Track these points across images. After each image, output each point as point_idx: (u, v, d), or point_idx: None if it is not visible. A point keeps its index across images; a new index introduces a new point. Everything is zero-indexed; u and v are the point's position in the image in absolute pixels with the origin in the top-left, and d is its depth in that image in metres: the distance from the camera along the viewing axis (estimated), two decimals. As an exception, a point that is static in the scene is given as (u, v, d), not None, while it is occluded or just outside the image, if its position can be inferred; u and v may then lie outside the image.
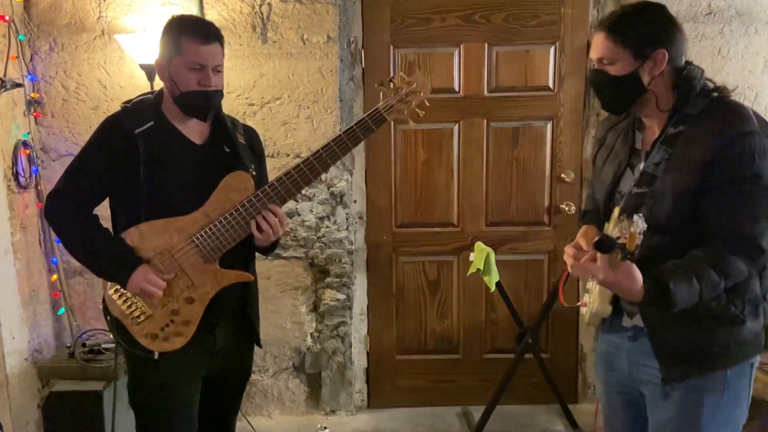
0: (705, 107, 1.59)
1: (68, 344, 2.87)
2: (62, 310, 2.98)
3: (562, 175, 3.18)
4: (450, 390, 3.34)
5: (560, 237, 3.22)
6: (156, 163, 1.88)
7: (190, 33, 1.85)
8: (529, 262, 3.27)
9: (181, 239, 1.89)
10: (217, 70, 1.90)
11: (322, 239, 3.08)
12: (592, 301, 1.72)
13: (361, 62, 3.08)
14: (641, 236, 1.33)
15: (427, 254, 3.25)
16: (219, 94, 1.94)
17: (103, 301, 1.96)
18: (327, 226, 3.08)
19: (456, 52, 3.09)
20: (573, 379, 3.37)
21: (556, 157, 3.18)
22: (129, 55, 2.88)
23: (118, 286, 1.90)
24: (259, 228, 1.89)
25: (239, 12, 2.93)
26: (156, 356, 1.90)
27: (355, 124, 1.92)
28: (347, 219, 3.11)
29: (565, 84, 3.12)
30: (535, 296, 3.27)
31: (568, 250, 1.81)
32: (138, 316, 1.90)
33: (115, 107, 2.90)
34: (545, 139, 3.17)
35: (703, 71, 1.64)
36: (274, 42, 2.95)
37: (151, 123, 1.91)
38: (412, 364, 3.33)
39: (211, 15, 2.90)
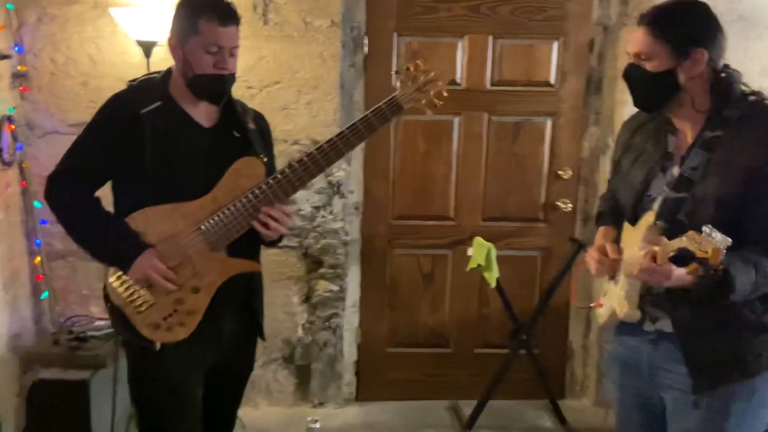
0: (744, 111, 1.57)
1: (52, 330, 2.75)
2: (45, 294, 2.86)
3: (560, 172, 3.17)
4: (440, 384, 3.31)
5: (555, 234, 3.22)
6: (162, 146, 1.80)
7: (209, 13, 1.77)
8: (522, 258, 3.26)
9: (188, 225, 1.82)
10: (233, 52, 1.84)
11: (317, 229, 3.02)
12: (619, 305, 1.69)
13: (364, 49, 3.01)
14: (725, 251, 1.30)
15: (422, 247, 3.21)
16: (233, 77, 1.88)
17: (104, 288, 1.88)
18: (323, 216, 3.01)
19: (460, 43, 3.04)
20: (561, 375, 3.38)
21: (554, 154, 3.17)
22: (122, 30, 2.75)
23: (120, 273, 1.82)
24: (265, 226, 1.82)
25: (240, -9, 2.82)
26: (157, 347, 1.83)
27: (371, 112, 1.87)
28: (343, 209, 3.05)
29: (567, 81, 3.11)
30: (528, 292, 3.27)
31: (593, 254, 1.79)
32: (140, 305, 1.82)
33: (106, 84, 2.84)
34: (544, 136, 3.16)
35: (741, 75, 1.62)
36: (276, 24, 2.86)
37: (159, 103, 1.83)
38: (402, 357, 3.30)
39: (211, -8, 2.79)
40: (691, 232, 1.36)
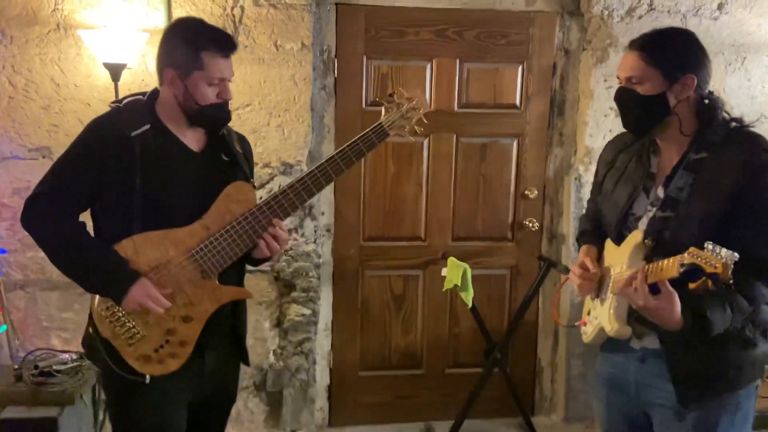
0: (726, 135, 1.65)
1: (13, 366, 2.59)
2: (3, 328, 2.71)
3: (526, 192, 3.24)
4: (412, 406, 3.30)
5: (523, 252, 3.28)
6: (153, 170, 1.75)
7: (212, 47, 1.75)
8: (491, 276, 3.30)
9: (179, 253, 1.77)
10: (230, 80, 1.83)
11: (290, 252, 2.98)
12: (609, 322, 1.73)
13: (334, 72, 3.01)
14: (732, 266, 1.33)
15: (393, 268, 3.21)
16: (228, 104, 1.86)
17: (90, 318, 1.80)
18: (295, 239, 2.97)
19: (428, 67, 3.08)
20: (531, 392, 3.43)
21: (520, 174, 3.24)
22: (86, 52, 2.68)
23: (110, 304, 1.74)
24: (269, 248, 1.82)
25: (209, 13, 2.78)
26: (147, 380, 1.76)
27: (359, 138, 1.89)
28: (315, 231, 3.02)
29: (531, 103, 3.18)
30: (497, 310, 3.31)
31: (575, 270, 1.83)
32: (131, 337, 1.76)
33: (69, 107, 2.75)
34: (511, 156, 3.22)
35: (723, 102, 1.71)
36: (246, 46, 2.82)
37: (147, 126, 1.78)
38: (375, 380, 3.27)
39: (179, 14, 2.75)
40: (692, 249, 1.39)
